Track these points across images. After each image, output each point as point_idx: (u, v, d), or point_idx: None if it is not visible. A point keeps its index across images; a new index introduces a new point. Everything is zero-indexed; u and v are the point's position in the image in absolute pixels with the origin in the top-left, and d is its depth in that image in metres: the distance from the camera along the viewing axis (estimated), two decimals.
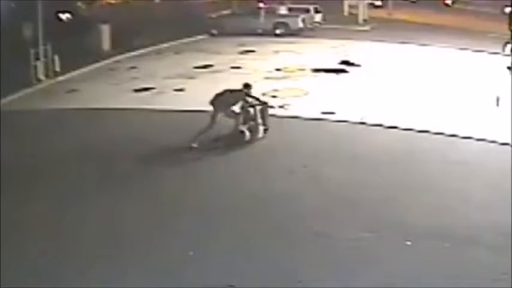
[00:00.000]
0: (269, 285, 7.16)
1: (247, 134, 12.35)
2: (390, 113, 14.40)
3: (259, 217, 9.00)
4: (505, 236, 8.02)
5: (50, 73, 19.45)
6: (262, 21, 29.19)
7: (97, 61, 22.12)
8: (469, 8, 41.16)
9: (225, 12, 32.76)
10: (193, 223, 8.77)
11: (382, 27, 31.53)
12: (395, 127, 13.34)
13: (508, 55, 20.68)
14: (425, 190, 9.90)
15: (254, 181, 10.50)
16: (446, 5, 42.36)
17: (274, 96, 16.52)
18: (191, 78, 19.50)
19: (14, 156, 11.80)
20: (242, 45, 25.51)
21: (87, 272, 7.43)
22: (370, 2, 37.80)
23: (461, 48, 24.78)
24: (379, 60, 22.06)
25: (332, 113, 14.50)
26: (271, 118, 13.23)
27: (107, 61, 22.59)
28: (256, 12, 29.84)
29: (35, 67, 18.95)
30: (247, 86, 12.66)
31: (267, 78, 19.01)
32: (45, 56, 19.34)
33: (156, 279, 7.25)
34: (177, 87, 18.01)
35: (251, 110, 12.57)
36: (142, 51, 24.58)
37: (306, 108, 15.11)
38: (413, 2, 42.42)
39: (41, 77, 19.08)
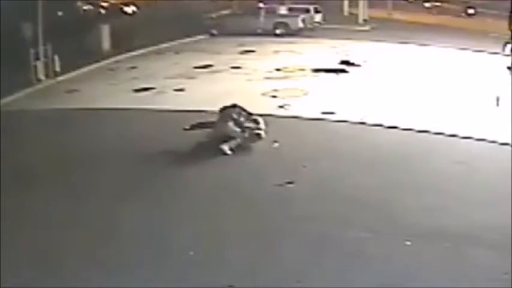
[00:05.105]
0: (268, 284, 7.16)
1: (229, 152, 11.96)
2: (390, 113, 14.40)
3: (258, 216, 9.01)
4: (505, 236, 8.01)
5: (50, 73, 19.45)
6: (262, 21, 29.18)
7: (97, 61, 22.12)
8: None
9: (225, 12, 32.77)
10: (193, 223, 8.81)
11: (382, 27, 31.52)
12: (395, 127, 13.34)
13: (508, 55, 20.66)
14: (425, 190, 9.90)
15: (254, 181, 10.51)
16: (469, 14, 40.73)
17: (274, 96, 16.54)
18: (191, 78, 19.50)
19: (13, 156, 11.79)
20: (242, 45, 25.50)
21: None
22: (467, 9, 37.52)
23: (461, 48, 24.79)
24: (379, 60, 22.07)
25: (332, 113, 14.50)
26: (270, 118, 13.24)
27: (107, 61, 22.59)
28: (256, 12, 29.84)
29: (35, 67, 18.95)
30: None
31: (267, 78, 19.02)
32: (45, 56, 19.35)
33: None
34: (177, 87, 18.00)
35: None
36: (142, 51, 24.58)
37: (306, 108, 15.11)
38: (411, 2, 42.09)
39: (41, 77, 19.09)
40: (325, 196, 9.74)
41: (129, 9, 33.59)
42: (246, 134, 12.05)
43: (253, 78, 18.98)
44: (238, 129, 12.05)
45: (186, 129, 12.40)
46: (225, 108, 12.50)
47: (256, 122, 12.29)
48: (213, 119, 12.46)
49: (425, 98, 15.91)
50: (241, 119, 12.22)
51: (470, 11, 40.08)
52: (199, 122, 12.63)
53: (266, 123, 12.39)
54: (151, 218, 9.02)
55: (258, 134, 12.12)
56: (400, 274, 7.26)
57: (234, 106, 12.49)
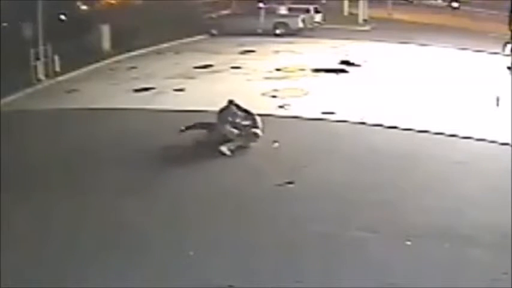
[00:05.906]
0: (268, 284, 7.16)
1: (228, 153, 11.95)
2: (390, 113, 14.40)
3: (257, 216, 9.01)
4: (505, 236, 8.01)
5: (50, 73, 19.47)
6: (262, 21, 29.19)
7: (97, 61, 22.13)
8: (469, 8, 41.05)
9: (225, 12, 32.77)
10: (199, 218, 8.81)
11: (382, 27, 31.53)
12: (395, 127, 13.34)
13: (508, 55, 20.65)
14: (425, 190, 9.90)
15: (254, 180, 10.50)
16: (454, 8, 40.63)
17: (274, 96, 16.54)
18: (191, 78, 19.50)
19: (13, 156, 11.79)
20: (242, 45, 25.50)
21: None
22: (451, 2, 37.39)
23: (461, 48, 24.79)
24: (379, 60, 22.06)
25: (332, 113, 14.50)
26: (270, 118, 13.22)
27: (107, 61, 22.61)
28: (256, 12, 29.83)
29: (35, 67, 18.97)
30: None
31: (267, 78, 19.02)
32: (45, 56, 19.36)
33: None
34: (177, 87, 18.01)
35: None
36: (142, 51, 24.59)
37: (306, 108, 15.11)
38: (411, 2, 41.99)
39: (41, 77, 19.10)
40: (325, 196, 9.73)
41: (456, 4, 33.83)
42: (244, 134, 12.07)
43: (253, 78, 18.98)
44: (236, 132, 12.05)
45: (182, 131, 12.37)
46: (222, 110, 12.49)
47: (252, 118, 12.30)
48: (211, 120, 12.43)
49: (425, 98, 15.90)
50: (238, 119, 12.22)
51: (455, 4, 39.82)
52: (195, 123, 12.59)
53: (262, 122, 12.39)
54: (150, 217, 9.02)
55: (255, 133, 12.14)
56: (400, 274, 7.26)
57: (230, 103, 12.50)
